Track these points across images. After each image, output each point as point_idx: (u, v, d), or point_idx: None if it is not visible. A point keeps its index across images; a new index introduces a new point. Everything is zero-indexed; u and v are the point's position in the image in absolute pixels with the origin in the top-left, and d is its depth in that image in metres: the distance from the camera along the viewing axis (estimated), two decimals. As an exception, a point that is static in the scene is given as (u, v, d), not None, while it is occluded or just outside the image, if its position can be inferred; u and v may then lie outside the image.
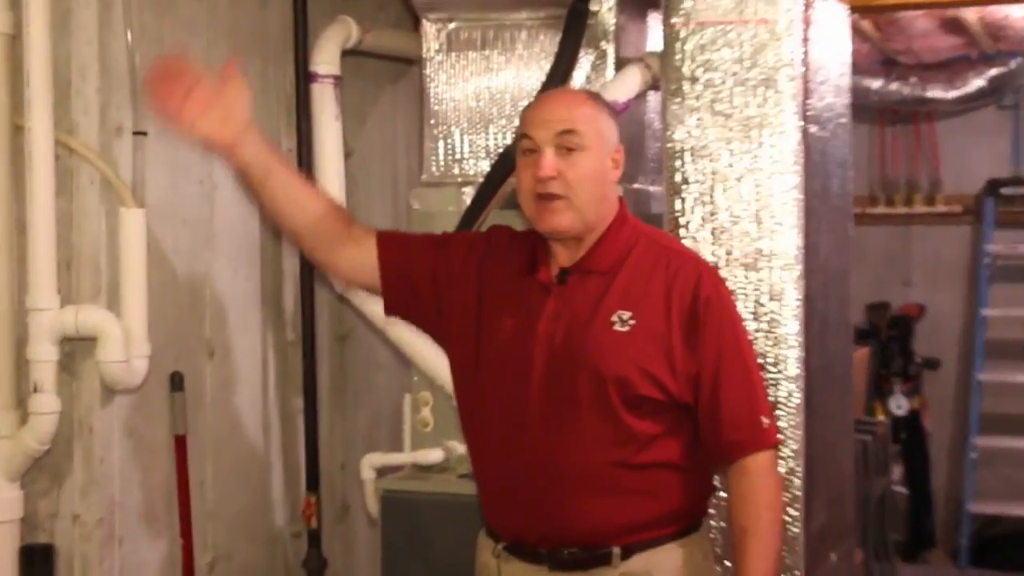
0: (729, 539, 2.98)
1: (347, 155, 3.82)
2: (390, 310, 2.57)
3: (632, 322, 2.35)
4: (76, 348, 3.00)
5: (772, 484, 2.42)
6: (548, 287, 2.42)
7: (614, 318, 2.36)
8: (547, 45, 3.61)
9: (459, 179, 3.68)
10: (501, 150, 3.55)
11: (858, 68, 4.61)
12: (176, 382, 3.26)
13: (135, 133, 3.08)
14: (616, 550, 2.37)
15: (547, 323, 2.38)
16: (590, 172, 2.36)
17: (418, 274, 2.50)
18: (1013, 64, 5.92)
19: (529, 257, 2.45)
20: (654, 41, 3.68)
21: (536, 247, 2.45)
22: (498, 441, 2.42)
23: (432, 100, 3.71)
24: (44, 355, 2.93)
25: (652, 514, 2.38)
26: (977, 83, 5.98)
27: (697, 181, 3.11)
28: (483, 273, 2.48)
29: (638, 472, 2.36)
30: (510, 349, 2.40)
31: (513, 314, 2.42)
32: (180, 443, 3.27)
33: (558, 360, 2.36)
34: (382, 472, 3.62)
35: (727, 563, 2.94)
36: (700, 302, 2.37)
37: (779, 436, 2.56)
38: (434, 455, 3.58)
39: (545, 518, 2.37)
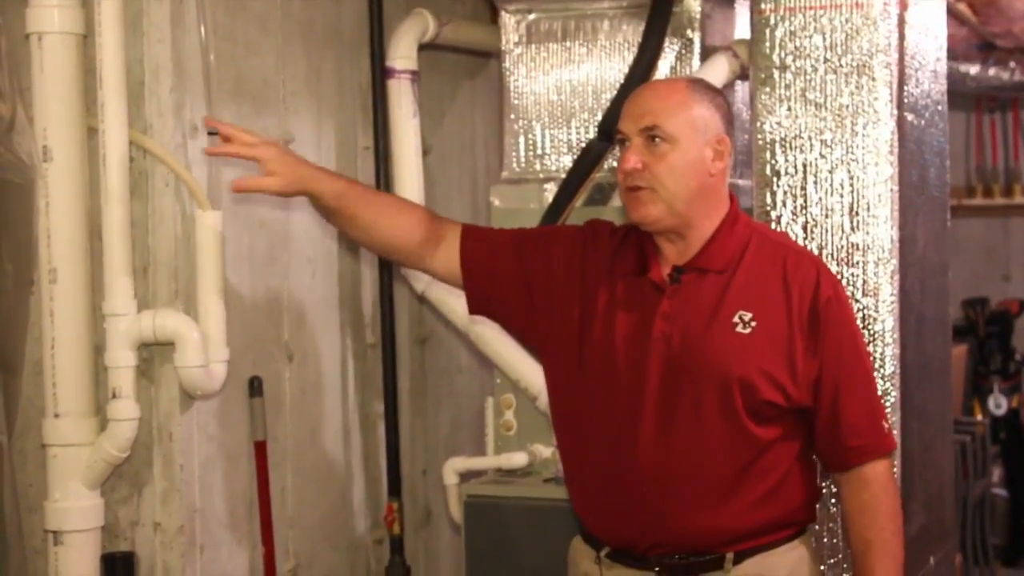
0: (824, 542, 2.94)
1: (425, 152, 3.77)
2: (474, 309, 2.53)
3: (754, 323, 2.29)
4: (154, 353, 2.97)
5: (893, 492, 2.36)
6: (661, 286, 2.35)
7: (736, 319, 2.30)
8: (630, 35, 3.55)
9: (540, 175, 3.63)
10: (583, 145, 3.48)
11: (954, 53, 4.51)
12: (255, 387, 3.23)
13: (210, 133, 3.03)
14: (729, 555, 2.32)
15: (662, 324, 2.31)
16: (679, 163, 2.30)
17: (506, 272, 2.46)
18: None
19: (638, 255, 2.38)
20: (742, 28, 3.63)
21: (644, 244, 2.38)
22: (605, 446, 2.35)
23: (512, 94, 3.67)
24: (122, 361, 2.91)
25: (767, 519, 2.33)
26: (1081, 67, 5.86)
27: (788, 173, 3.05)
28: (585, 270, 2.42)
29: (756, 478, 2.31)
30: (621, 350, 2.33)
31: (622, 314, 2.35)
32: (260, 449, 3.24)
33: (676, 363, 2.29)
34: (465, 477, 3.61)
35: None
36: (821, 302, 2.31)
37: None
38: (518, 459, 3.56)
39: (658, 524, 2.32)
